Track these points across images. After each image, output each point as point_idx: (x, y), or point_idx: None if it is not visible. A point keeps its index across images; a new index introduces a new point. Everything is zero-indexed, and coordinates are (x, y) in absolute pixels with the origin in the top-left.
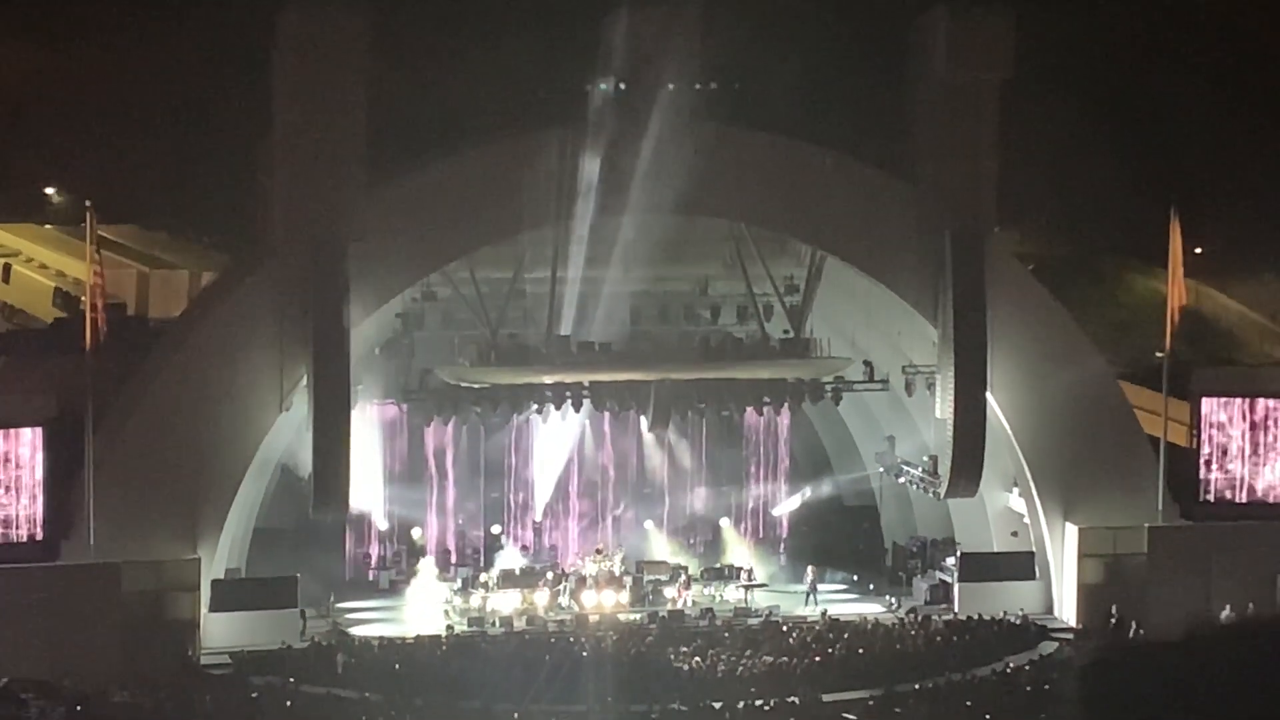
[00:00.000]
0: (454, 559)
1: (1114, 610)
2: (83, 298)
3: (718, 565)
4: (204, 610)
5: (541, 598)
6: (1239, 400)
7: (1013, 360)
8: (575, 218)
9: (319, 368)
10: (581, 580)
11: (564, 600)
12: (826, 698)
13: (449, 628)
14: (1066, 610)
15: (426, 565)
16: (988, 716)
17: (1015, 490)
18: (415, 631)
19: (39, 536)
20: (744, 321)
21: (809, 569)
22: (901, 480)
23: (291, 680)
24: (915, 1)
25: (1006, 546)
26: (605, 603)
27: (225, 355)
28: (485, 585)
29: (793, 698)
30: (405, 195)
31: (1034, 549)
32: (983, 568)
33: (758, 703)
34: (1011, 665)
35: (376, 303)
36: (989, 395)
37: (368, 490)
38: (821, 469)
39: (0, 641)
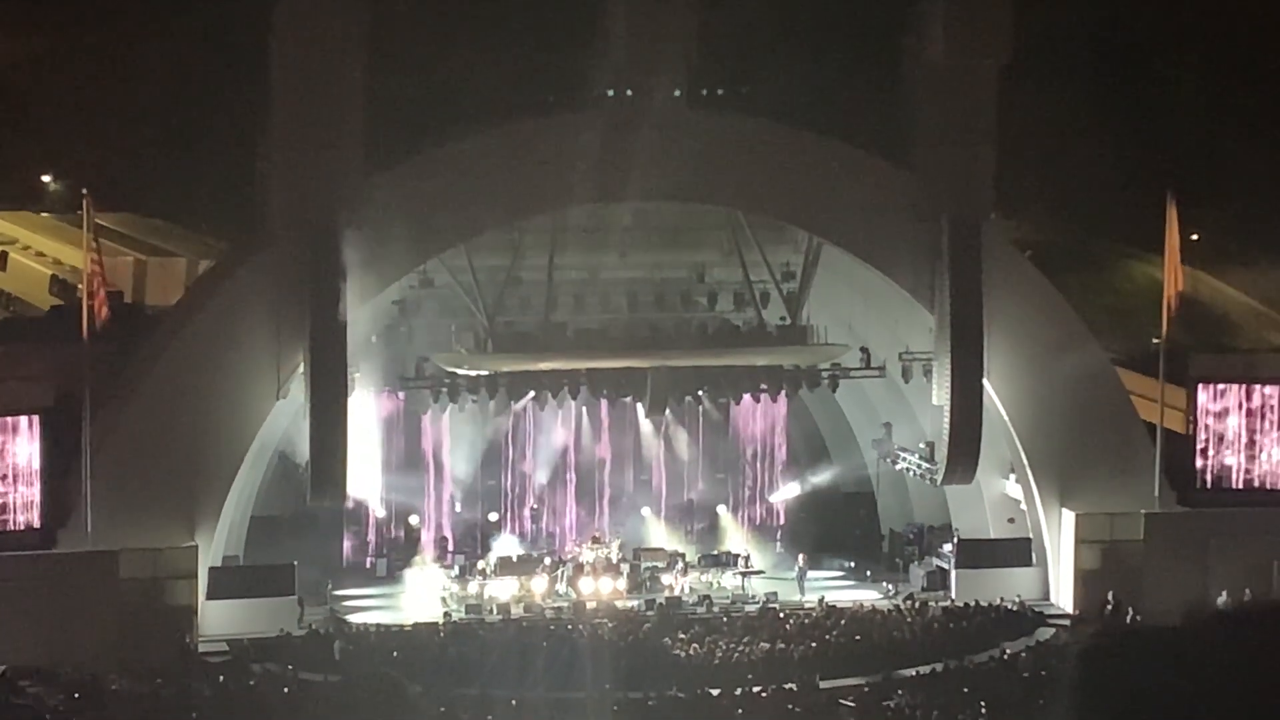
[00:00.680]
0: (451, 546)
1: (1110, 596)
2: (79, 285)
3: (715, 552)
4: (201, 598)
5: (539, 585)
6: (1235, 386)
7: (1010, 347)
8: (573, 204)
9: (316, 355)
10: (579, 567)
11: (561, 587)
12: (824, 684)
13: (446, 615)
14: (1063, 596)
15: (424, 552)
16: (984, 703)
17: (1012, 476)
18: (413, 619)
19: (36, 524)
20: (741, 308)
21: (800, 557)
22: (899, 467)
23: (289, 667)
24: None
25: (1003, 533)
26: (602, 590)
27: (222, 343)
28: (483, 572)
29: (790, 684)
30: (403, 182)
31: (1031, 535)
32: (980, 554)
33: (755, 689)
34: (1008, 651)
35: (374, 290)
36: (986, 382)
37: (365, 477)
38: (819, 456)
39: None
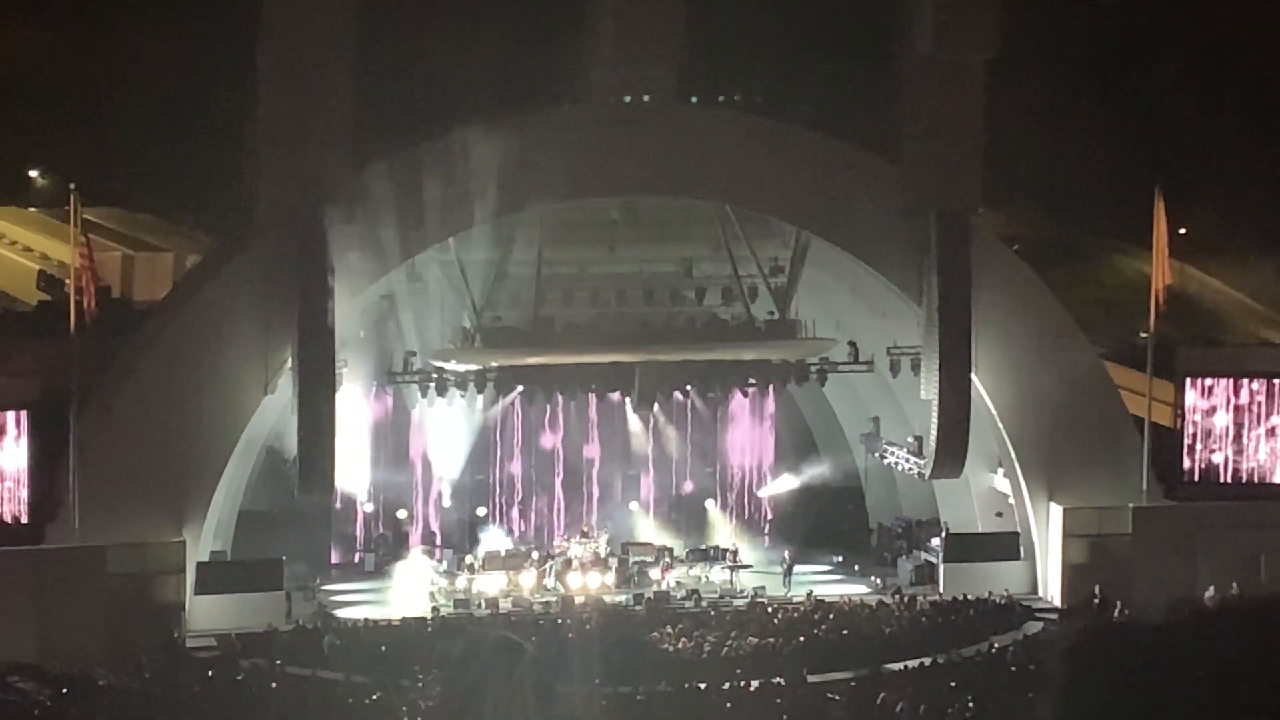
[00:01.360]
0: (439, 541)
1: (1097, 590)
2: (67, 280)
3: (703, 547)
4: (189, 593)
5: (527, 579)
6: (1223, 380)
7: (998, 341)
8: (561, 199)
9: (304, 350)
10: (567, 562)
11: (549, 582)
12: (812, 678)
13: (435, 609)
14: (1051, 590)
15: (412, 547)
16: (971, 696)
17: (1000, 471)
18: (401, 613)
19: (24, 520)
20: (729, 303)
21: (785, 552)
22: (887, 461)
23: (278, 662)
24: None
25: (991, 527)
26: (590, 584)
27: (210, 338)
28: (471, 567)
29: (778, 678)
30: (391, 177)
31: (1019, 529)
32: (968, 548)
33: (743, 684)
34: (996, 645)
35: (362, 284)
36: (974, 376)
37: (353, 472)
38: (807, 451)
39: None
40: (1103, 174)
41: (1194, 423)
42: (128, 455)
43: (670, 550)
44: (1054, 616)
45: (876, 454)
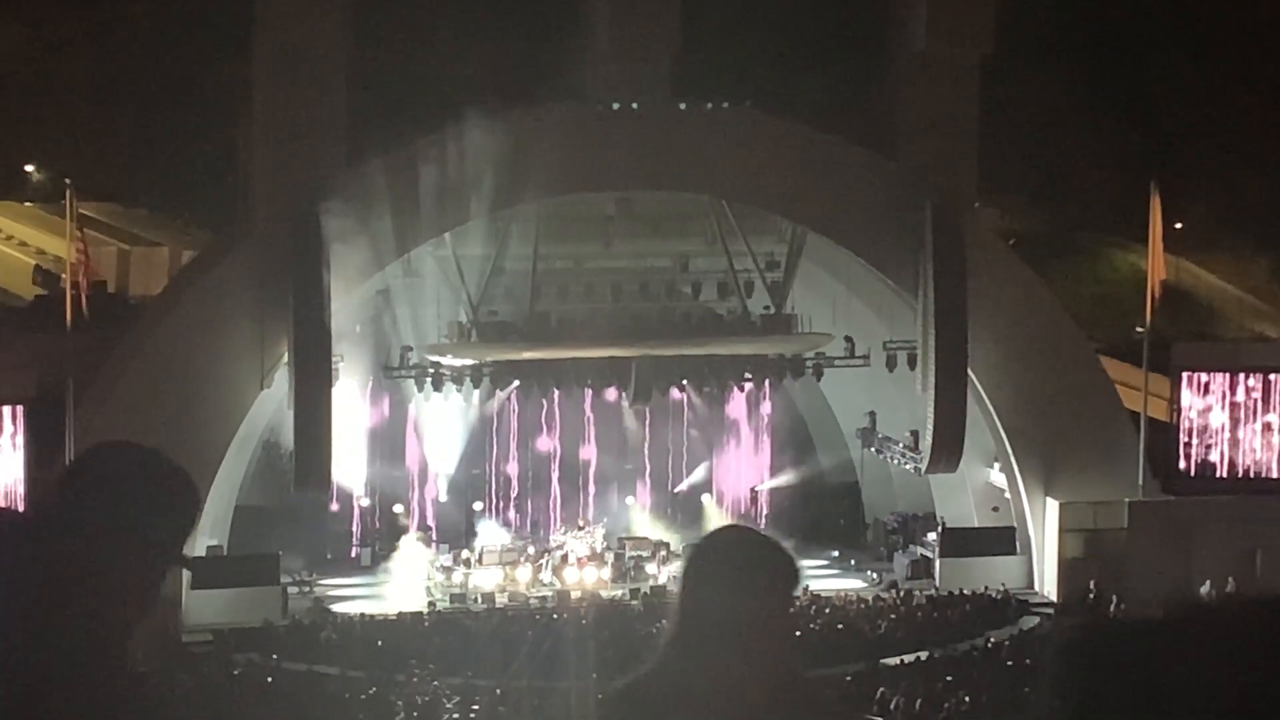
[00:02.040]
0: (436, 536)
1: (1092, 585)
2: (63, 275)
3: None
4: (185, 588)
5: (523, 574)
6: (1219, 375)
7: (993, 336)
8: (556, 194)
9: (299, 345)
10: (563, 556)
11: (546, 576)
12: (808, 674)
13: (431, 604)
14: (1047, 585)
15: (408, 542)
16: (967, 691)
17: (996, 465)
18: (397, 608)
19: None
20: (725, 298)
21: None
22: (883, 456)
23: (273, 657)
24: None
25: (988, 522)
26: (587, 579)
27: (206, 332)
28: (467, 562)
29: None
30: (386, 171)
31: (1015, 524)
32: (964, 543)
33: None
34: (992, 640)
35: (357, 279)
36: (970, 371)
37: (349, 467)
38: (803, 445)
39: None
40: (1098, 168)
41: (1190, 418)
42: None
43: (667, 545)
44: (1050, 611)
45: (873, 449)
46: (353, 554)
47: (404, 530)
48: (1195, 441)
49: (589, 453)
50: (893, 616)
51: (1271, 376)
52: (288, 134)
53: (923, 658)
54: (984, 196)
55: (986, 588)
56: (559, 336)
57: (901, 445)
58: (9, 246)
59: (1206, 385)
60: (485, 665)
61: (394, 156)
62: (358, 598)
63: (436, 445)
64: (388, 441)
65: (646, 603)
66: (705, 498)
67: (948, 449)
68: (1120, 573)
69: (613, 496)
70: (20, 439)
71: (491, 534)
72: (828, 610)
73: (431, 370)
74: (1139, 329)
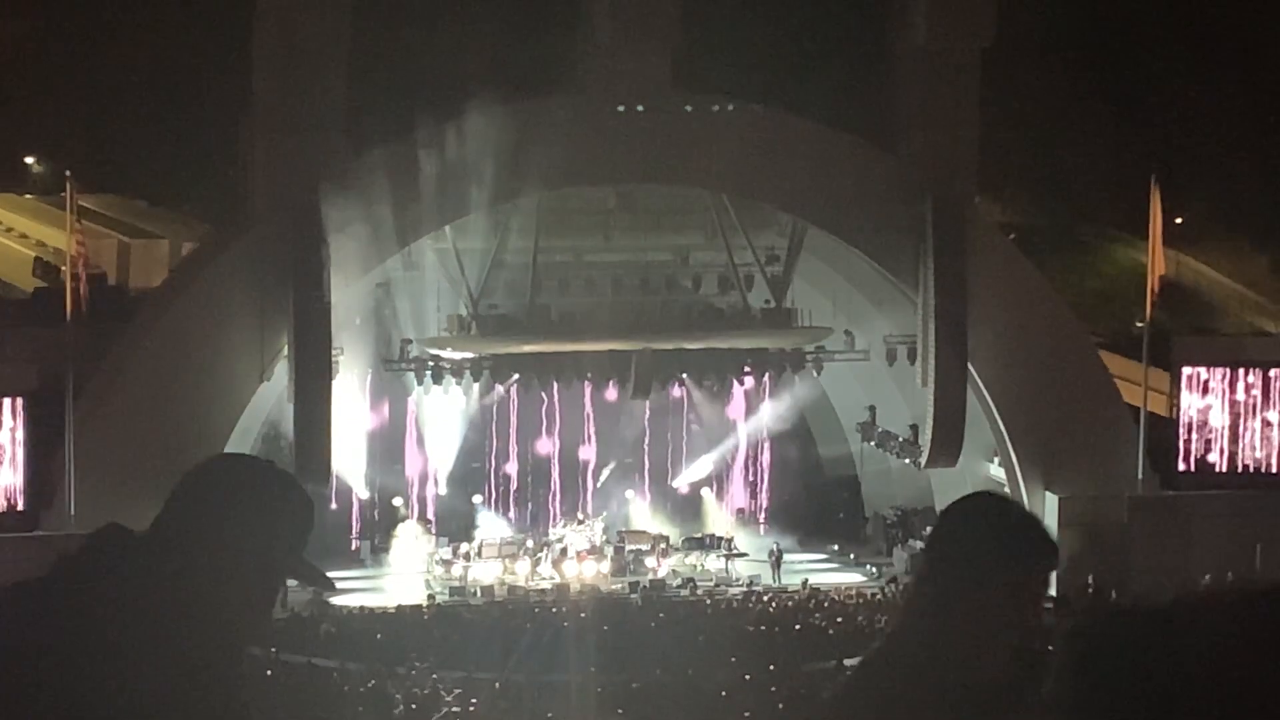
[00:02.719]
0: (435, 529)
1: (1090, 580)
2: (63, 267)
3: (699, 535)
4: None
5: (522, 567)
6: (1220, 369)
7: (993, 330)
8: (557, 187)
9: (299, 337)
10: (562, 550)
11: (545, 570)
12: (807, 667)
13: (430, 597)
14: None
15: (408, 535)
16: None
17: (996, 460)
18: (397, 601)
19: (19, 507)
20: (725, 292)
21: (773, 544)
22: (882, 450)
23: (272, 650)
24: None
25: None
26: (586, 573)
27: (206, 325)
28: (466, 555)
29: (773, 667)
30: (387, 164)
31: None
32: None
33: (738, 672)
34: None
35: (358, 272)
36: (970, 365)
37: (349, 460)
38: (803, 440)
39: None
40: (1099, 162)
41: (1190, 411)
42: (124, 442)
43: (666, 539)
44: (1049, 605)
45: (872, 443)
46: (353, 547)
47: (404, 523)
48: (1195, 436)
49: (588, 447)
50: (892, 610)
51: (1272, 372)
52: (288, 126)
53: None
54: (985, 189)
55: None
56: (559, 330)
57: (901, 439)
58: (8, 238)
59: (1207, 380)
60: (484, 658)
61: (395, 149)
62: (357, 590)
63: (436, 438)
64: (387, 435)
65: (645, 596)
66: (705, 491)
67: (947, 443)
68: (1120, 567)
69: (612, 490)
70: (20, 432)
71: (491, 527)
72: (826, 604)
73: (431, 363)
74: (1139, 323)
